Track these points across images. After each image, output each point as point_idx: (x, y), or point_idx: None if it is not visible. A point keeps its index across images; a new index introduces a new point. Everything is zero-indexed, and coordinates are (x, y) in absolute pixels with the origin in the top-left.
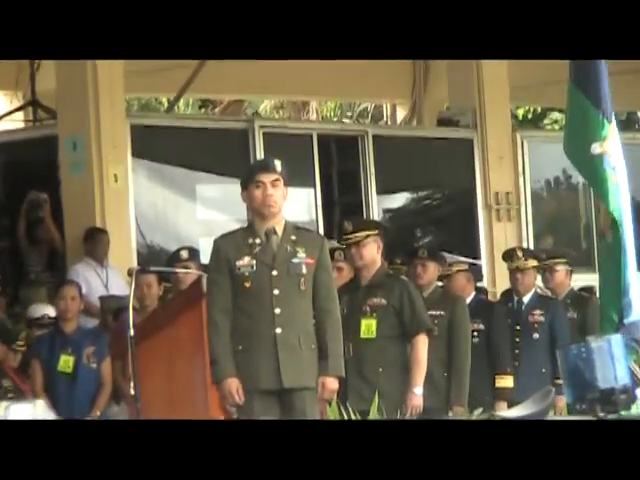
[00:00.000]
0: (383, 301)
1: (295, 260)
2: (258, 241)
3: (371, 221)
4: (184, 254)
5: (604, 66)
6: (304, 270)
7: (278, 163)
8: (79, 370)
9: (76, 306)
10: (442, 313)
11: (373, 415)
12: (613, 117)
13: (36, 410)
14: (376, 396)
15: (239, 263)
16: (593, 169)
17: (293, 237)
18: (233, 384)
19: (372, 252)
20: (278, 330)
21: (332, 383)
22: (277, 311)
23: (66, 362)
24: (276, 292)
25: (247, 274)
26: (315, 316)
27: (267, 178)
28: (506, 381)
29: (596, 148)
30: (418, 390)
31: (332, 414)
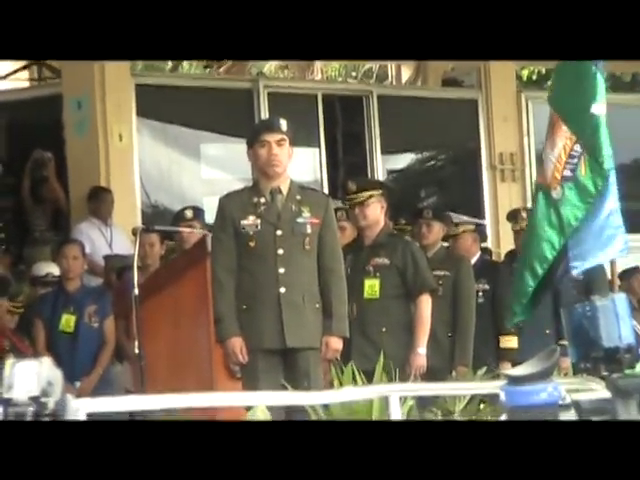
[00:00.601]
0: (386, 261)
1: (300, 220)
2: (263, 200)
3: (375, 181)
4: (188, 213)
5: None
6: (309, 230)
7: (284, 123)
8: (80, 329)
9: (79, 265)
10: (446, 273)
11: (378, 375)
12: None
13: (42, 367)
14: (381, 356)
15: (244, 222)
16: (591, 126)
17: (298, 197)
18: (237, 343)
19: (375, 212)
20: (282, 290)
21: (336, 343)
22: (281, 270)
23: (67, 321)
24: (280, 252)
25: (252, 233)
26: (319, 276)
27: (272, 137)
28: (510, 341)
29: (596, 108)
30: (422, 350)
31: (335, 376)
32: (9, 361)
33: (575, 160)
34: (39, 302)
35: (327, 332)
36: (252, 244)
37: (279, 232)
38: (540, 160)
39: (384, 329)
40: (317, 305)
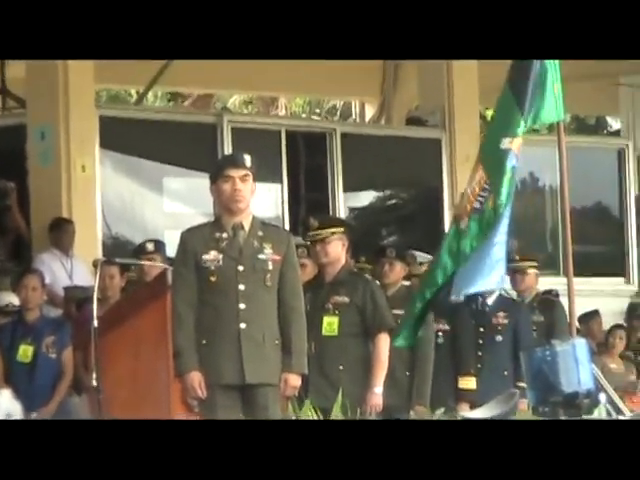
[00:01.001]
0: (346, 299)
1: (262, 256)
2: (225, 235)
3: (337, 218)
4: (150, 246)
5: (536, 68)
6: (270, 266)
7: (248, 158)
8: (38, 359)
9: (38, 296)
10: None
11: (335, 413)
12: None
13: (1, 399)
14: (339, 394)
15: (205, 257)
16: (496, 163)
17: (260, 233)
18: (196, 377)
19: (337, 249)
20: (242, 325)
21: (294, 380)
22: (242, 306)
23: (25, 351)
24: (242, 287)
25: (213, 268)
26: (280, 312)
27: (236, 173)
28: (469, 382)
29: (505, 143)
30: (378, 389)
31: (294, 411)
32: None
33: (485, 193)
34: None
35: (286, 369)
36: (213, 279)
37: (240, 268)
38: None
39: (342, 367)
40: (277, 341)
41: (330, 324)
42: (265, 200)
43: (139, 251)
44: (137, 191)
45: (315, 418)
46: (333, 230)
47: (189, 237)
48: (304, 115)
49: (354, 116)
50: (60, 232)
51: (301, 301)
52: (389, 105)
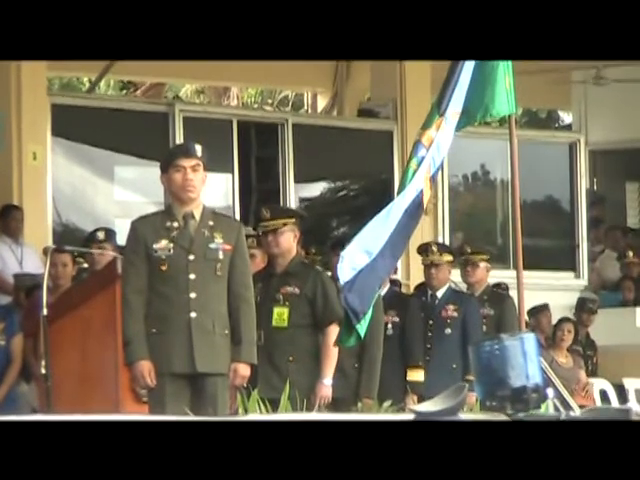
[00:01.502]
0: (296, 290)
1: (212, 245)
2: (176, 225)
3: (289, 209)
4: (100, 235)
5: (459, 65)
6: (221, 255)
7: (199, 148)
8: None
9: None
10: None
11: (283, 405)
12: (448, 114)
13: None
14: (287, 385)
15: (156, 246)
16: (411, 152)
17: (211, 222)
18: (145, 366)
19: (289, 240)
20: (193, 314)
21: (244, 369)
22: (192, 295)
23: None
24: (192, 277)
25: (164, 257)
26: (229, 302)
27: (187, 163)
28: (417, 374)
29: (418, 134)
30: (327, 381)
31: (241, 403)
32: None
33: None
34: None
35: (235, 358)
36: (164, 268)
37: (191, 257)
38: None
39: (291, 358)
40: (226, 331)
41: (280, 315)
42: (216, 190)
43: (90, 239)
44: (88, 179)
45: (262, 409)
46: (285, 221)
47: (140, 226)
48: (256, 105)
49: (306, 107)
50: (8, 219)
51: (251, 291)
52: (341, 96)
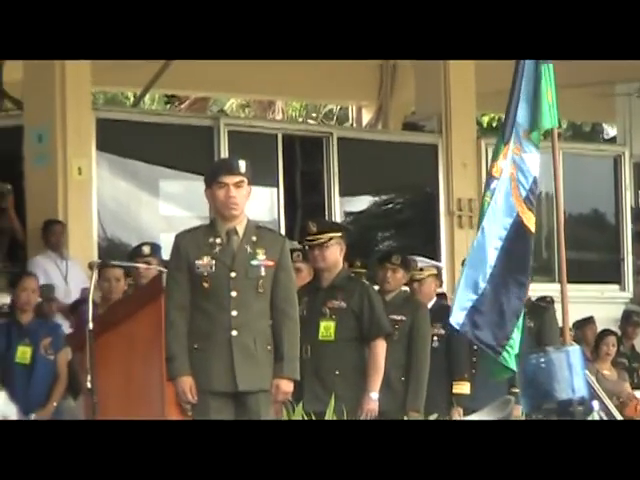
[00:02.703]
0: (343, 304)
1: (254, 262)
2: (219, 241)
3: (335, 223)
4: (146, 249)
5: (521, 87)
6: (262, 272)
7: (243, 164)
8: (37, 361)
9: (35, 298)
10: (403, 318)
11: (329, 417)
12: (512, 140)
13: None
14: (332, 399)
15: (198, 262)
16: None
17: (254, 238)
18: (187, 382)
19: (335, 254)
20: (234, 333)
21: (287, 385)
22: (234, 313)
23: (24, 353)
24: (234, 294)
25: (206, 274)
26: (273, 317)
27: (230, 180)
28: (463, 387)
29: (489, 167)
30: (374, 395)
31: (287, 417)
32: None
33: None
34: None
35: (278, 374)
36: (206, 285)
37: (233, 274)
38: None
39: (337, 372)
40: (269, 347)
41: (327, 328)
42: (261, 204)
43: (135, 254)
44: (133, 193)
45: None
46: (331, 235)
47: (182, 241)
48: (301, 119)
49: (351, 121)
50: (50, 233)
51: (294, 306)
52: (386, 110)
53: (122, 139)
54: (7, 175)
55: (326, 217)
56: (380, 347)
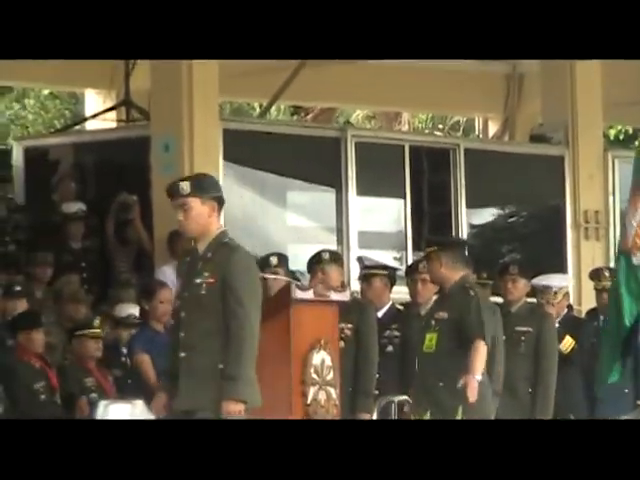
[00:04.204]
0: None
1: (197, 280)
2: (187, 259)
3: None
4: (273, 260)
5: None
6: (203, 291)
7: (184, 185)
8: None
9: (169, 309)
10: (530, 329)
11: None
12: None
13: (135, 410)
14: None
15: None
16: None
17: (209, 254)
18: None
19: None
20: (182, 354)
21: (233, 407)
22: (182, 334)
23: None
24: (183, 315)
25: (176, 294)
26: (220, 338)
27: (175, 203)
28: None
29: None
30: (478, 377)
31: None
32: (102, 402)
33: None
34: (141, 340)
35: (224, 395)
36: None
37: (185, 294)
38: (623, 223)
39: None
40: (220, 366)
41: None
42: (388, 215)
43: (263, 264)
44: (260, 204)
45: None
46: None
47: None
48: (427, 131)
49: (477, 132)
50: (177, 244)
51: (239, 325)
52: (513, 121)
53: (249, 150)
54: (134, 186)
55: (452, 228)
56: (480, 347)
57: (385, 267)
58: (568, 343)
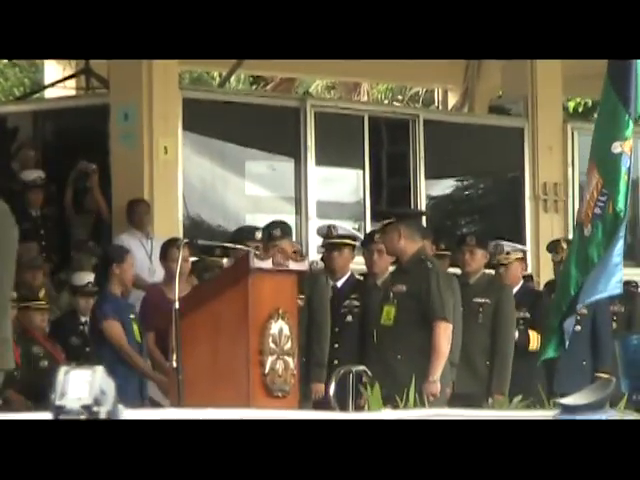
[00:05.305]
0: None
1: None
2: None
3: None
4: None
5: (637, 65)
6: None
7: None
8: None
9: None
10: (488, 301)
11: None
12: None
13: (95, 376)
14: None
15: None
16: (610, 167)
17: None
18: None
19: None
20: None
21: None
22: None
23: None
24: None
25: None
26: None
27: None
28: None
29: (617, 147)
30: (432, 378)
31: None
32: (62, 368)
33: (604, 198)
34: (110, 305)
35: None
36: None
37: None
38: (581, 195)
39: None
40: None
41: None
42: (347, 185)
43: (245, 236)
44: (219, 174)
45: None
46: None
47: None
48: (386, 102)
49: (437, 103)
50: (135, 212)
51: None
52: (472, 93)
53: (208, 119)
54: (93, 154)
55: (411, 199)
56: (439, 329)
57: (355, 237)
58: (535, 340)
